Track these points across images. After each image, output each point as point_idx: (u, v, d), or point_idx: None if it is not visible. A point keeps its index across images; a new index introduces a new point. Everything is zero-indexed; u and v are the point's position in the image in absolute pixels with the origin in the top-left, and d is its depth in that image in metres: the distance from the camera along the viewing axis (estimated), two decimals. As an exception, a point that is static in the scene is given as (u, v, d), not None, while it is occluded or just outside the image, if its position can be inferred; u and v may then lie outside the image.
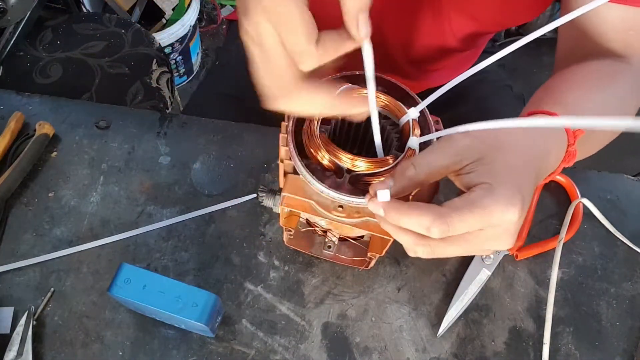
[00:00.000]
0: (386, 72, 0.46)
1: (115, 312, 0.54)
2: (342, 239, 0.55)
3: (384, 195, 0.37)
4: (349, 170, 0.42)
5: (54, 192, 0.61)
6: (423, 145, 0.43)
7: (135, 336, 0.54)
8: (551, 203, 0.64)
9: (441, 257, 0.39)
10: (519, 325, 0.57)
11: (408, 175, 0.38)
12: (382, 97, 0.44)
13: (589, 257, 0.61)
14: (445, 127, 0.44)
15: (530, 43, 0.37)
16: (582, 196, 0.62)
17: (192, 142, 0.65)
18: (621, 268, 0.61)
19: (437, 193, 0.43)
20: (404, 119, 0.43)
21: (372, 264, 0.55)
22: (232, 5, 1.95)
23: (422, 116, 0.45)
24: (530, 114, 0.46)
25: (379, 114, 0.43)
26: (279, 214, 0.54)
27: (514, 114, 0.50)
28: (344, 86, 0.41)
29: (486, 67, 0.38)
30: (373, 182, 0.42)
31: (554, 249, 0.58)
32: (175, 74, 1.71)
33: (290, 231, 0.54)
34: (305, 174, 0.43)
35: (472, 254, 0.40)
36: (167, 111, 1.01)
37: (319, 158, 0.43)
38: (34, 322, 0.52)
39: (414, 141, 0.42)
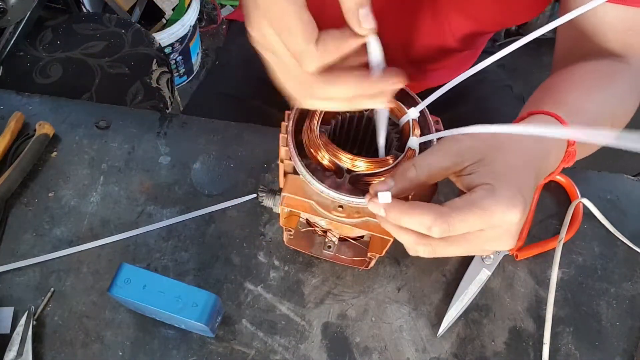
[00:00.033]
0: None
1: (115, 312, 0.55)
2: (342, 239, 0.55)
3: (385, 197, 0.37)
4: (349, 170, 0.43)
5: (54, 192, 0.61)
6: (423, 145, 0.43)
7: (135, 336, 0.54)
8: (551, 203, 0.64)
9: (442, 256, 0.39)
10: (519, 325, 0.57)
11: (409, 177, 0.38)
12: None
13: (589, 257, 0.61)
14: (445, 127, 0.44)
15: (530, 43, 0.37)
16: (582, 196, 0.62)
17: (192, 142, 0.65)
18: (621, 268, 0.61)
19: (436, 193, 0.43)
20: (404, 119, 0.43)
21: (372, 264, 0.55)
22: (232, 5, 1.95)
23: (422, 116, 0.45)
24: (530, 114, 0.46)
25: None
26: (279, 214, 0.54)
27: (514, 114, 0.50)
28: None
29: (486, 67, 0.38)
30: (373, 182, 0.42)
31: (554, 249, 0.58)
32: (175, 74, 1.71)
33: (290, 231, 0.54)
34: (305, 174, 0.43)
35: (472, 254, 0.40)
36: (167, 111, 1.01)
37: (319, 158, 0.43)
38: (34, 322, 0.52)
39: (414, 141, 0.42)
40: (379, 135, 0.43)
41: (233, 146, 0.65)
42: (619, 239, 0.62)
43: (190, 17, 1.56)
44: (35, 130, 0.62)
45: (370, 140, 0.46)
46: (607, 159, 0.73)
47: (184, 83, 1.78)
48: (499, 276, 0.59)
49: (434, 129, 0.44)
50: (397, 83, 0.36)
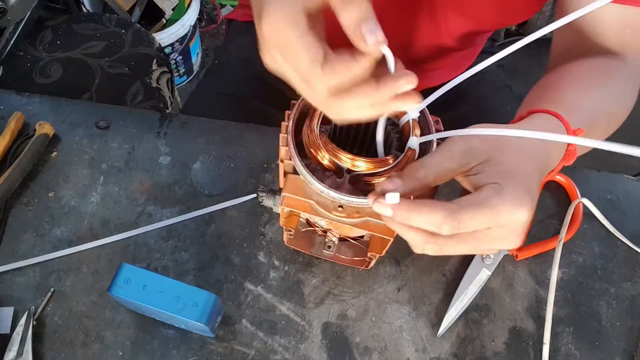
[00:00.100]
0: None
1: (115, 312, 0.54)
2: (342, 239, 0.55)
3: (393, 197, 0.37)
4: (349, 170, 0.42)
5: (54, 192, 0.61)
6: (423, 145, 0.43)
7: (135, 336, 0.54)
8: (551, 203, 0.64)
9: (449, 254, 0.39)
10: (519, 325, 0.57)
11: (418, 177, 0.38)
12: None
13: (589, 257, 0.61)
14: (445, 127, 0.44)
15: (531, 43, 0.37)
16: (582, 196, 0.62)
17: (192, 142, 0.65)
18: (621, 268, 0.61)
19: (436, 193, 0.43)
20: (404, 119, 0.43)
21: (372, 264, 0.55)
22: (232, 5, 1.95)
23: (422, 116, 0.45)
24: (530, 113, 0.46)
25: None
26: (279, 214, 0.54)
27: (513, 114, 0.50)
28: None
29: (485, 67, 0.38)
30: (374, 182, 0.42)
31: (554, 249, 0.58)
32: (175, 74, 1.71)
33: (290, 231, 0.54)
34: (305, 174, 0.43)
35: (479, 253, 0.41)
36: (167, 111, 1.01)
37: (319, 158, 0.43)
38: (34, 322, 0.52)
39: (414, 141, 0.42)
40: (378, 134, 0.43)
41: (233, 146, 0.65)
42: (619, 239, 0.62)
43: (190, 17, 1.56)
44: (35, 130, 0.62)
45: (370, 140, 0.46)
46: (607, 159, 0.73)
47: (184, 83, 1.78)
48: (499, 276, 0.59)
49: (434, 129, 0.44)
50: (407, 84, 0.35)
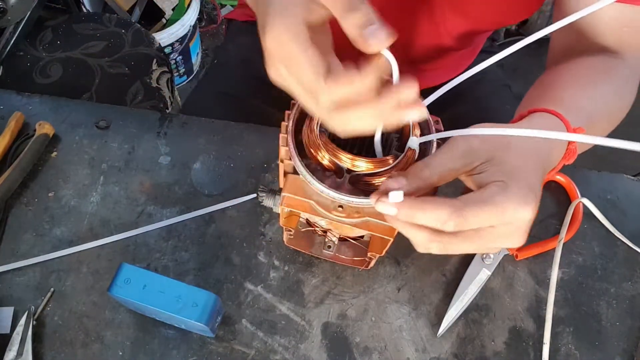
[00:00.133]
0: None
1: (115, 312, 0.55)
2: (342, 239, 0.55)
3: (397, 196, 0.37)
4: (349, 170, 0.42)
5: (54, 192, 0.61)
6: (423, 145, 0.43)
7: (135, 336, 0.54)
8: (551, 203, 0.64)
9: (454, 253, 0.39)
10: (519, 325, 0.57)
11: (423, 176, 0.38)
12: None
13: (589, 257, 0.61)
14: (444, 127, 0.44)
15: (531, 43, 0.37)
16: (582, 196, 0.62)
17: (192, 142, 0.65)
18: (621, 268, 0.61)
19: (435, 194, 0.43)
20: (403, 119, 0.43)
21: (372, 264, 0.55)
22: (232, 5, 1.95)
23: (422, 116, 0.44)
24: (530, 112, 0.46)
25: None
26: (279, 214, 0.54)
27: (513, 113, 0.50)
28: None
29: (485, 67, 0.38)
30: (374, 182, 0.42)
31: (554, 249, 0.58)
32: (175, 74, 1.71)
33: (290, 231, 0.54)
34: (305, 174, 0.43)
35: (484, 251, 0.41)
36: (167, 111, 1.01)
37: (319, 158, 0.43)
38: (34, 322, 0.52)
39: (414, 141, 0.42)
40: (376, 133, 0.43)
41: (233, 146, 0.65)
42: (619, 239, 0.62)
43: (190, 17, 1.56)
44: (35, 130, 0.62)
45: (370, 140, 0.46)
46: (607, 159, 0.73)
47: (184, 83, 1.78)
48: (499, 276, 0.59)
49: (434, 129, 0.44)
50: (410, 94, 0.35)
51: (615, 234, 0.62)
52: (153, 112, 0.68)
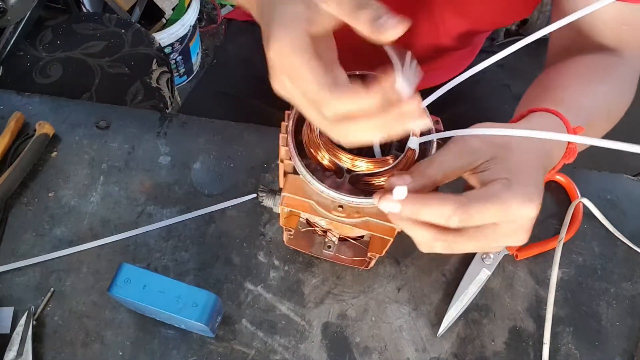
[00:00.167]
0: (385, 72, 0.46)
1: (115, 312, 0.55)
2: (342, 239, 0.55)
3: (401, 192, 0.37)
4: (349, 170, 0.42)
5: (54, 192, 0.61)
6: (423, 146, 0.43)
7: (135, 336, 0.54)
8: (551, 203, 0.64)
9: (458, 252, 0.39)
10: (519, 325, 0.57)
11: (429, 174, 0.38)
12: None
13: (589, 257, 0.61)
14: (444, 127, 0.44)
15: (531, 43, 0.37)
16: (582, 196, 0.62)
17: (192, 142, 0.65)
18: (621, 268, 0.61)
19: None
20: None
21: (372, 264, 0.55)
22: (231, 5, 1.94)
23: (422, 116, 0.44)
24: (530, 112, 0.46)
25: None
26: (279, 214, 0.54)
27: (512, 113, 0.50)
28: None
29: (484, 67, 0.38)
30: (374, 182, 0.43)
31: (554, 249, 0.58)
32: (175, 74, 1.71)
33: (290, 231, 0.54)
34: (305, 174, 0.43)
35: (488, 250, 0.41)
36: (167, 111, 1.01)
37: (319, 158, 0.43)
38: (34, 322, 0.52)
39: (414, 141, 0.42)
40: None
41: (233, 146, 0.65)
42: (619, 239, 0.62)
43: (190, 17, 1.56)
44: (35, 130, 0.62)
45: (370, 140, 0.46)
46: (607, 159, 0.73)
47: (184, 83, 1.78)
48: (498, 276, 0.59)
49: (434, 129, 0.44)
50: (412, 104, 0.35)
51: (615, 234, 0.62)
52: (153, 112, 0.68)
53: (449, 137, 0.41)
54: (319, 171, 0.43)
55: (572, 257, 0.61)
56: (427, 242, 0.39)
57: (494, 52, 0.37)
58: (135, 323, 0.54)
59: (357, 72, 0.44)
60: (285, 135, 0.44)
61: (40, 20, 1.01)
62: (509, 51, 0.37)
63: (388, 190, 0.38)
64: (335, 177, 0.43)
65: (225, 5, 1.95)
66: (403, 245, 0.59)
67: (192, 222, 0.60)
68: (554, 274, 0.56)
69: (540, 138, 0.36)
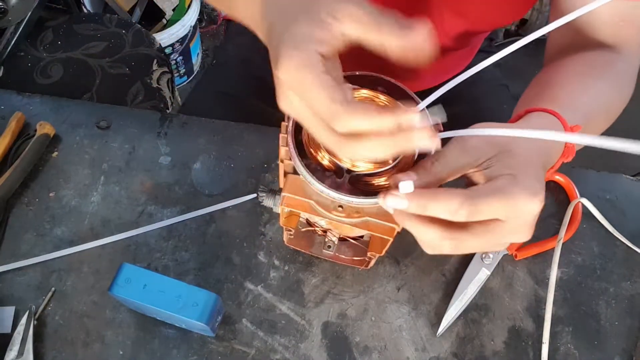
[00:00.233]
0: (383, 73, 0.46)
1: (116, 311, 0.55)
2: (342, 239, 0.55)
3: (407, 186, 0.37)
4: (349, 171, 0.43)
5: (55, 192, 0.61)
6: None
7: (135, 335, 0.54)
8: (550, 203, 0.64)
9: (465, 252, 0.39)
10: (518, 324, 0.57)
11: (434, 171, 0.39)
12: (382, 97, 0.44)
13: (588, 257, 0.61)
14: (444, 127, 0.44)
15: (529, 43, 0.37)
16: (582, 196, 0.63)
17: (192, 142, 0.66)
18: (620, 268, 0.61)
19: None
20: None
21: (372, 263, 0.55)
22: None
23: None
24: (528, 112, 0.46)
25: None
26: (279, 214, 0.54)
27: (510, 113, 0.50)
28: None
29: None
30: (374, 182, 0.43)
31: (553, 249, 0.58)
32: (176, 75, 1.71)
33: (290, 231, 0.54)
34: (305, 174, 0.43)
35: (492, 249, 0.41)
36: (168, 111, 1.01)
37: (319, 158, 0.43)
38: (35, 322, 0.53)
39: (413, 141, 0.43)
40: None
41: (233, 146, 0.66)
42: (618, 239, 0.62)
43: (191, 17, 1.56)
44: (35, 131, 0.62)
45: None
46: (606, 159, 0.73)
47: (185, 83, 1.78)
48: (498, 276, 0.60)
49: (433, 129, 0.44)
50: (423, 132, 0.34)
51: (615, 234, 0.62)
52: (153, 112, 0.68)
53: (449, 138, 0.41)
54: (319, 171, 0.43)
55: (572, 257, 0.61)
56: (433, 242, 0.39)
57: (493, 53, 0.38)
58: (135, 323, 0.54)
59: (357, 73, 0.44)
60: (285, 135, 0.44)
61: (41, 21, 1.01)
62: (508, 51, 0.37)
63: (393, 187, 0.38)
64: (335, 177, 0.43)
65: (226, 5, 1.95)
66: (403, 245, 0.59)
67: (193, 222, 0.60)
68: (553, 274, 0.56)
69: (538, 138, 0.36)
